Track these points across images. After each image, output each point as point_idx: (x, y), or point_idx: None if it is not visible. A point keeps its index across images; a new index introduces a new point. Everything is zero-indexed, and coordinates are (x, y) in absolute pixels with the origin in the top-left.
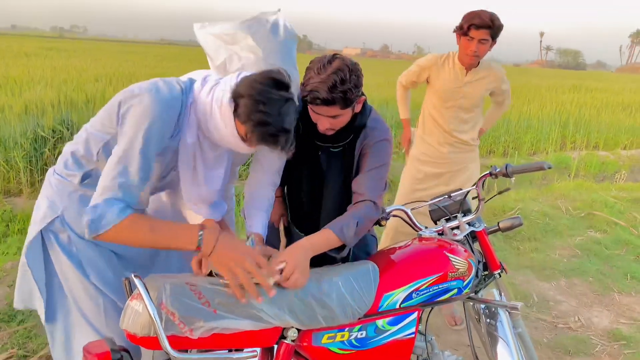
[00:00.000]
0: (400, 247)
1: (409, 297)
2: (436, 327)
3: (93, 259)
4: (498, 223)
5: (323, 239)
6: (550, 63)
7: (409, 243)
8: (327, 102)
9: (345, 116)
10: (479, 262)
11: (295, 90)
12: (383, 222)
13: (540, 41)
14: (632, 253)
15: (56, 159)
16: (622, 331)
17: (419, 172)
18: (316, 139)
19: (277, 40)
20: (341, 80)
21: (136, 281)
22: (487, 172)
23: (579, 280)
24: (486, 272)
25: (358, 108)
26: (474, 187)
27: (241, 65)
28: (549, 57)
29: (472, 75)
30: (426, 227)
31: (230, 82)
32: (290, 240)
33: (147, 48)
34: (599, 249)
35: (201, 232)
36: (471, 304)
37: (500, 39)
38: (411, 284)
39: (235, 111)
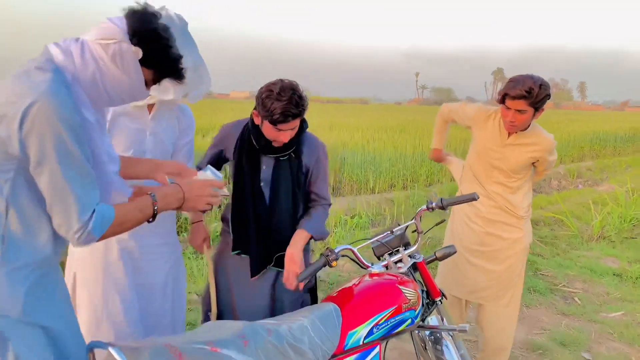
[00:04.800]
0: (355, 285)
1: (370, 333)
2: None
3: (21, 341)
4: (434, 252)
5: (302, 237)
6: (426, 100)
7: (361, 280)
8: (295, 116)
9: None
10: (422, 291)
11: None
12: (334, 263)
13: (417, 81)
14: (530, 269)
15: None
16: (537, 341)
17: (454, 230)
18: (263, 152)
19: (180, 26)
20: (299, 96)
21: (113, 351)
22: (424, 206)
23: None
24: (428, 300)
25: None
26: (413, 221)
27: None
28: (425, 95)
29: (515, 138)
30: (372, 263)
31: (101, 37)
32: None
33: None
34: None
35: (151, 193)
36: (417, 332)
37: (382, 80)
38: (371, 319)
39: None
